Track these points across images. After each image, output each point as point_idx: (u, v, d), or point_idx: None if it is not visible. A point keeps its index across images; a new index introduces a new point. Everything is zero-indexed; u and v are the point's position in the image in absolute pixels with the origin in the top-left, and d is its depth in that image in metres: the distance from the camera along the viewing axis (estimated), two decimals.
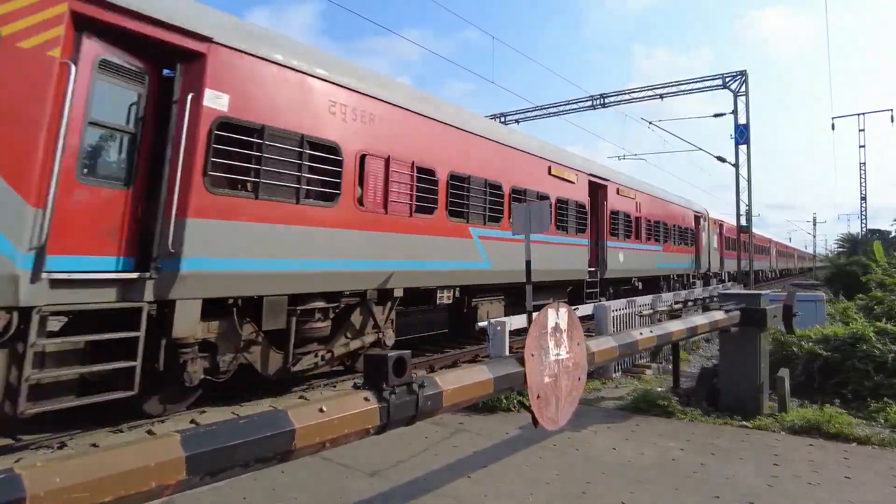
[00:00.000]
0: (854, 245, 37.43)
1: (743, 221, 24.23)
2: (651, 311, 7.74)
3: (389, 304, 8.41)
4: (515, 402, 6.26)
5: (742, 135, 23.34)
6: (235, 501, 3.95)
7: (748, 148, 23.57)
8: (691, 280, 22.66)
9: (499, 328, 7.32)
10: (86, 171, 5.15)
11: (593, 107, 27.68)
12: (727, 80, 23.95)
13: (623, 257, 15.63)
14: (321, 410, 2.03)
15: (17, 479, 1.33)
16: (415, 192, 8.47)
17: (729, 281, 26.77)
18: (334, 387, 7.94)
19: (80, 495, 1.41)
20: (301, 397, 7.19)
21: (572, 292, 13.56)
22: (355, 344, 7.89)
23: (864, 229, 41.74)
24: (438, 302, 9.54)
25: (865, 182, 41.54)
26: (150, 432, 5.31)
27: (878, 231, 41.34)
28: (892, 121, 36.29)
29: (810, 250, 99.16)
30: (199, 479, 1.67)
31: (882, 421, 5.90)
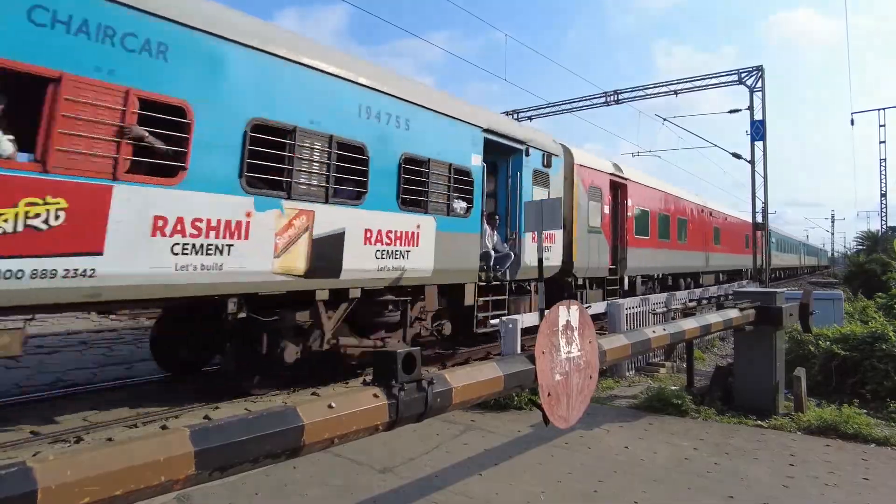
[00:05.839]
0: (874, 243, 36.67)
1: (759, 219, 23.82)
2: (665, 309, 7.66)
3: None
4: (527, 400, 6.23)
5: (758, 131, 22.94)
6: (247, 496, 3.99)
7: (764, 144, 23.18)
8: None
9: (510, 325, 7.29)
10: None
11: (607, 103, 27.37)
12: (743, 75, 23.55)
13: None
14: (330, 407, 2.03)
15: (29, 472, 1.34)
16: None
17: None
18: (346, 384, 7.98)
19: (91, 488, 1.42)
20: (314, 394, 7.25)
21: None
22: None
23: (884, 226, 40.91)
24: None
25: (886, 178, 40.71)
26: (164, 427, 5.40)
27: None
28: None
29: (823, 245, 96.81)
30: (209, 474, 1.68)
31: None
